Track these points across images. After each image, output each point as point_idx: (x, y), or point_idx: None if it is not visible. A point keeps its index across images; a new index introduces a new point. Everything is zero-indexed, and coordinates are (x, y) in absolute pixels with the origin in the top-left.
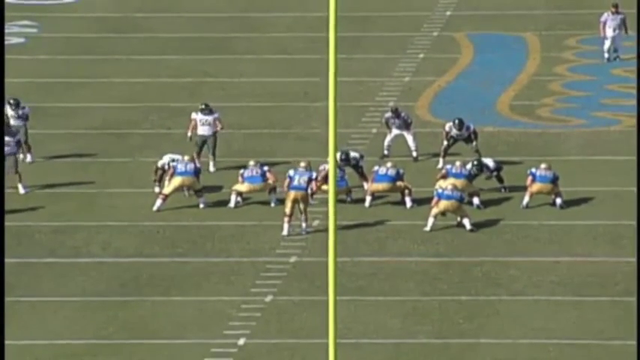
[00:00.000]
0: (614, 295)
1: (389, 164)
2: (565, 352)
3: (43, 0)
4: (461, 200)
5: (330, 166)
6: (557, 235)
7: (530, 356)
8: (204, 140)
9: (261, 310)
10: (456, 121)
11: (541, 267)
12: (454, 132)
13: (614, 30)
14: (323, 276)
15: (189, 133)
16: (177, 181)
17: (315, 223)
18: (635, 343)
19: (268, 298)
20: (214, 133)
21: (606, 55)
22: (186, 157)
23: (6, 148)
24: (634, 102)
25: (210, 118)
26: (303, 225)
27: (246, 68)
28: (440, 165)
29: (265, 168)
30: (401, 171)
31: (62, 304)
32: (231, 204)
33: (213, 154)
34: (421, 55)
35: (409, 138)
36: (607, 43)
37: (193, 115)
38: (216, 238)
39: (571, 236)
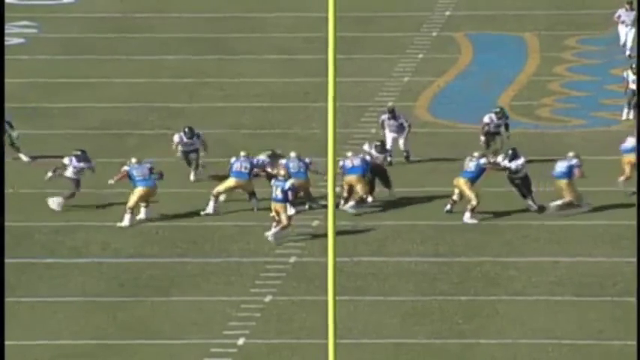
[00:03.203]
0: (614, 295)
1: (349, 153)
2: (564, 352)
3: (43, 0)
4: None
5: (329, 166)
6: (557, 236)
7: (530, 356)
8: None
9: (260, 310)
10: (497, 110)
11: (540, 267)
12: (494, 122)
13: (627, 26)
14: (322, 276)
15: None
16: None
17: (315, 223)
18: (634, 343)
19: (268, 298)
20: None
21: (628, 52)
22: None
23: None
24: (634, 102)
25: (195, 141)
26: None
27: (246, 68)
28: (496, 159)
29: (260, 159)
30: (368, 158)
31: (62, 304)
32: (209, 209)
33: (196, 167)
34: (420, 55)
35: (401, 141)
36: (622, 38)
37: (176, 139)
38: (215, 239)
39: (570, 236)
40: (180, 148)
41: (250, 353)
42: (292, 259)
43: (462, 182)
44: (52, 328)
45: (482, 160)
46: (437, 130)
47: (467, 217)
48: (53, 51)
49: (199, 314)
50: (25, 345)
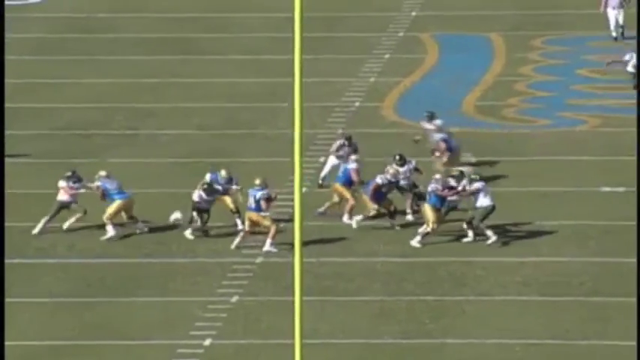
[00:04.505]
0: (580, 295)
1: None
2: (531, 351)
3: (10, 0)
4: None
5: (295, 167)
6: (523, 236)
7: (497, 356)
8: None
9: (227, 310)
10: (397, 157)
11: (507, 267)
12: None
13: (614, 8)
14: (289, 276)
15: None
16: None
17: (282, 225)
18: (600, 342)
19: (234, 299)
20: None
21: (614, 35)
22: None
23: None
24: (599, 102)
25: (79, 186)
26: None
27: (213, 69)
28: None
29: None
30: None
31: (28, 304)
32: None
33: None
34: (387, 56)
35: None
36: (612, 22)
37: (62, 184)
38: (182, 239)
39: (537, 236)
40: (64, 197)
41: (217, 354)
42: (259, 260)
43: (427, 208)
44: (19, 329)
45: (432, 187)
46: (403, 131)
47: (416, 240)
48: (20, 51)
49: (166, 315)
50: None
